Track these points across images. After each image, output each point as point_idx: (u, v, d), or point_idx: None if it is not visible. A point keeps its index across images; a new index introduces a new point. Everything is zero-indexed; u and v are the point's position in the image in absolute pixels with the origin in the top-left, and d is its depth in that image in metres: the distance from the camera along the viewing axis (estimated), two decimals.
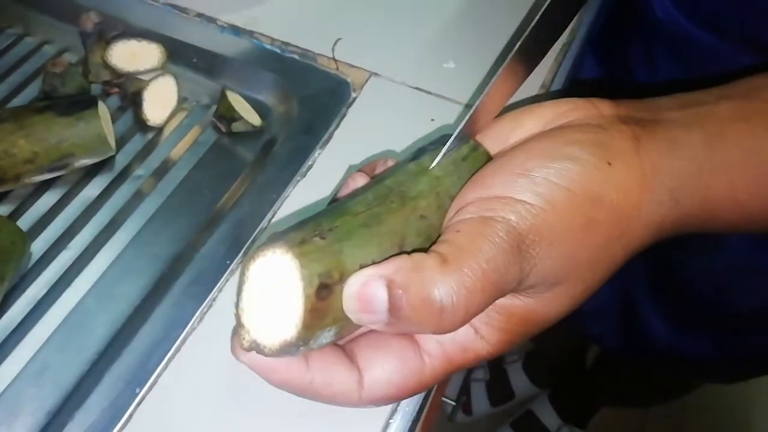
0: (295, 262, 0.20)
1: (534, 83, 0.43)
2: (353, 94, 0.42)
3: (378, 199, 0.23)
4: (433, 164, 0.25)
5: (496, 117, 0.27)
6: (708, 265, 0.56)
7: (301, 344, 0.21)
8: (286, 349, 0.21)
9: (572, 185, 0.22)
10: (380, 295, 0.21)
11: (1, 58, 0.45)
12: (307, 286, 0.20)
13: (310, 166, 0.38)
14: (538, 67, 0.43)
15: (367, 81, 0.43)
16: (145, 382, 0.30)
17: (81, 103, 0.37)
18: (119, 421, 0.29)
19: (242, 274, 0.21)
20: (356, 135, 0.40)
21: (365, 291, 0.21)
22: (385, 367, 0.23)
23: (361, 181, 0.27)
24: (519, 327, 0.24)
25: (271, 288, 0.21)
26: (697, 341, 0.64)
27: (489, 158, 0.26)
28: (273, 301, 0.21)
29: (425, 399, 0.31)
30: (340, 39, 0.45)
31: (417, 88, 0.43)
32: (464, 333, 0.24)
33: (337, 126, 0.41)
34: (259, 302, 0.21)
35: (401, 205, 0.23)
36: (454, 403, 0.99)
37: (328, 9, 0.47)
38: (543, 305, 0.24)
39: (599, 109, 0.25)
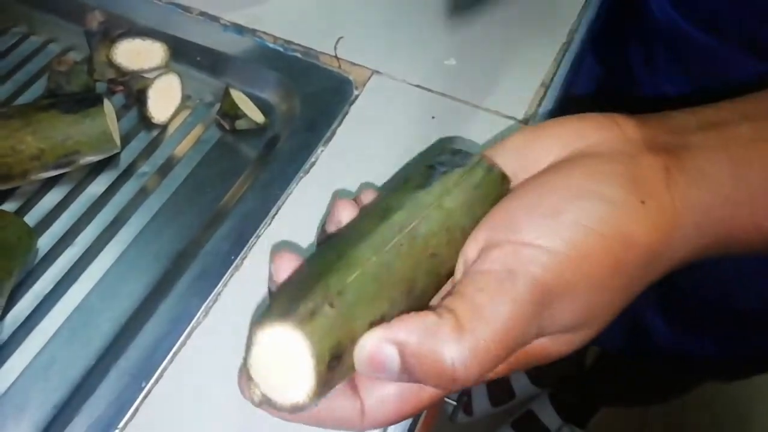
0: (306, 343, 0.19)
1: (533, 82, 0.43)
2: (355, 92, 0.43)
3: (386, 242, 0.22)
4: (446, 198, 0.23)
5: (513, 133, 0.25)
6: (711, 265, 0.57)
7: (313, 405, 0.21)
8: (298, 409, 0.21)
9: (605, 228, 0.21)
10: (392, 358, 0.20)
11: (6, 56, 0.45)
12: (318, 363, 0.20)
13: (313, 163, 0.39)
14: (537, 64, 0.44)
15: (369, 79, 0.43)
16: (151, 376, 0.31)
17: (87, 101, 0.37)
18: (126, 414, 0.30)
19: (250, 337, 0.20)
20: (358, 132, 0.41)
21: (377, 355, 0.20)
22: (385, 393, 0.23)
23: (347, 210, 0.25)
24: (525, 359, 0.24)
25: (281, 355, 0.20)
26: (699, 341, 0.65)
27: (504, 179, 0.24)
28: (283, 367, 0.20)
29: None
30: (342, 37, 0.45)
31: (418, 86, 0.43)
32: None
33: (340, 123, 0.41)
34: (268, 364, 0.21)
35: (411, 247, 0.22)
36: (454, 404, 0.99)
37: (330, 7, 0.48)
38: (555, 344, 0.23)
39: (623, 129, 0.24)
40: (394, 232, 0.22)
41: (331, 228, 0.25)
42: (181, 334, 0.32)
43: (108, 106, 0.38)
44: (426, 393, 0.23)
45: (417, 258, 0.22)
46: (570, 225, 0.21)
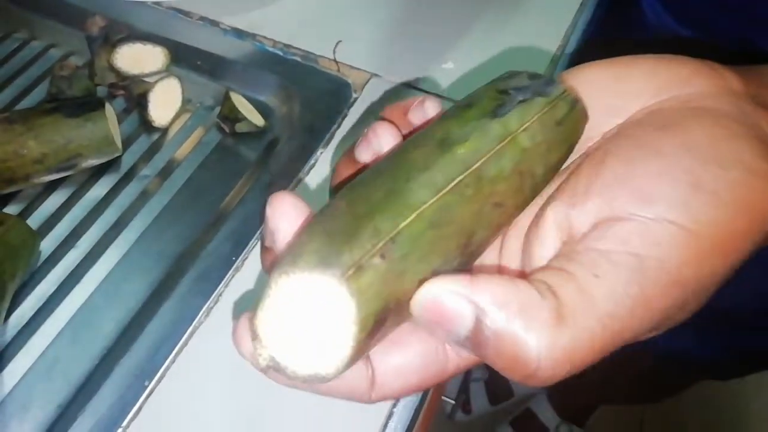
0: (352, 303, 0.15)
1: None
2: (354, 95, 0.43)
3: (447, 180, 0.17)
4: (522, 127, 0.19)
5: (594, 64, 0.22)
6: None
7: (336, 377, 0.17)
8: (314, 381, 0.17)
9: (754, 207, 0.18)
10: (466, 317, 0.16)
11: (8, 61, 0.46)
12: (360, 330, 0.16)
13: (313, 166, 0.39)
14: (533, 66, 0.44)
15: (367, 82, 0.44)
16: (154, 375, 0.31)
17: (88, 105, 0.38)
18: (129, 413, 0.30)
19: (270, 283, 0.16)
20: (357, 134, 0.41)
21: (449, 307, 0.16)
22: (402, 363, 0.20)
23: (390, 135, 0.21)
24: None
25: (306, 312, 0.16)
26: (692, 340, 0.65)
27: (585, 119, 0.21)
28: (307, 328, 0.16)
29: (423, 397, 0.32)
30: (340, 41, 0.46)
31: (417, 89, 0.43)
32: None
33: (339, 126, 0.42)
34: (285, 321, 0.16)
35: (477, 191, 0.18)
36: (453, 402, 1.00)
37: (328, 12, 0.48)
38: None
39: (726, 80, 0.20)
40: (457, 169, 0.18)
41: (365, 156, 0.21)
42: (183, 335, 0.33)
43: (109, 110, 0.39)
44: (451, 367, 0.20)
45: (480, 205, 0.18)
46: (715, 199, 0.17)
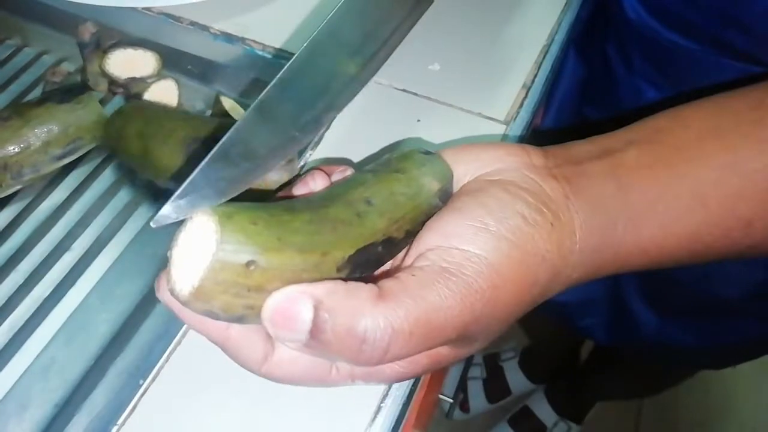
0: (216, 228, 0.20)
1: (515, 85, 0.44)
2: None
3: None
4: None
5: (441, 151, 0.28)
6: None
7: (194, 303, 0.20)
8: (179, 298, 0.21)
9: (527, 245, 0.23)
10: (305, 313, 0.20)
11: (1, 68, 0.47)
12: (218, 257, 0.20)
13: (302, 167, 0.40)
14: (518, 67, 0.45)
15: None
16: (148, 374, 0.32)
17: (75, 90, 0.39)
18: (124, 411, 0.31)
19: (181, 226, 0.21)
20: (345, 135, 0.42)
21: (289, 307, 0.20)
22: (293, 359, 0.24)
23: (320, 181, 0.27)
24: (426, 364, 0.25)
25: (192, 244, 0.21)
26: (682, 330, 0.66)
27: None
28: (189, 257, 0.20)
29: (411, 393, 0.32)
30: None
31: (404, 90, 0.44)
32: None
33: (328, 127, 0.42)
34: (182, 254, 0.21)
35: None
36: (451, 401, 1.00)
37: (316, 16, 0.49)
38: (468, 349, 0.25)
39: (530, 157, 0.27)
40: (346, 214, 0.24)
41: (300, 191, 0.27)
42: (177, 334, 0.33)
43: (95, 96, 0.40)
44: (331, 378, 0.25)
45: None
46: (498, 237, 0.23)
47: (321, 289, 0.21)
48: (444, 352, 0.25)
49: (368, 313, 0.20)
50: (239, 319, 0.21)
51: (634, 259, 0.27)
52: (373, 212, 0.24)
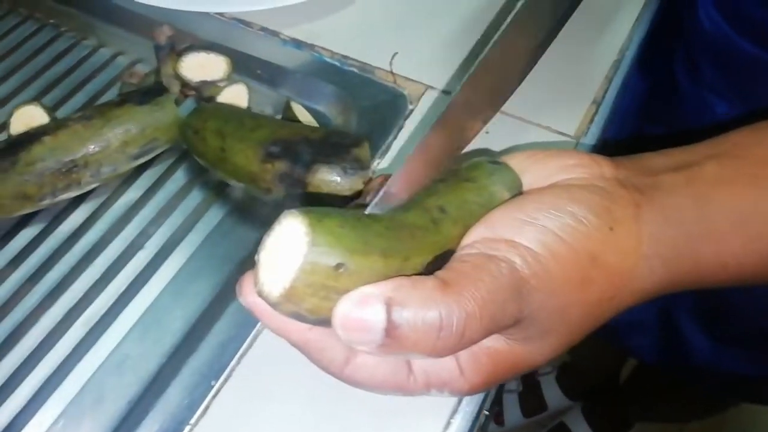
0: (309, 242, 0.20)
1: (585, 99, 0.44)
2: (410, 107, 0.44)
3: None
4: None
5: (509, 156, 0.28)
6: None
7: (284, 304, 0.21)
8: (269, 300, 0.21)
9: (575, 243, 0.23)
10: (377, 316, 0.20)
11: (78, 68, 0.48)
12: (309, 259, 0.20)
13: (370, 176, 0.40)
14: (589, 81, 0.45)
15: (423, 94, 0.45)
16: (221, 375, 0.32)
17: (153, 92, 0.40)
18: (196, 411, 0.31)
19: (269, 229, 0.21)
20: (413, 145, 0.42)
21: (361, 309, 0.20)
22: (376, 364, 0.24)
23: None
24: (502, 372, 0.25)
25: (283, 247, 0.21)
26: (737, 359, 0.64)
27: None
28: (279, 260, 0.21)
29: (484, 399, 0.32)
30: (397, 53, 0.47)
31: None
32: (449, 371, 0.25)
33: (395, 137, 0.42)
34: (271, 256, 0.21)
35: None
36: (487, 413, 0.99)
37: (386, 24, 0.49)
38: (530, 352, 0.25)
39: (601, 168, 0.26)
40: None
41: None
42: (248, 336, 0.34)
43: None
44: (408, 387, 0.25)
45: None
46: (545, 230, 0.23)
47: (388, 286, 0.21)
48: (514, 353, 0.25)
49: (440, 300, 0.21)
50: (324, 322, 0.22)
51: (713, 274, 0.27)
52: (447, 220, 0.24)
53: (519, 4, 0.30)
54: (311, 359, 0.25)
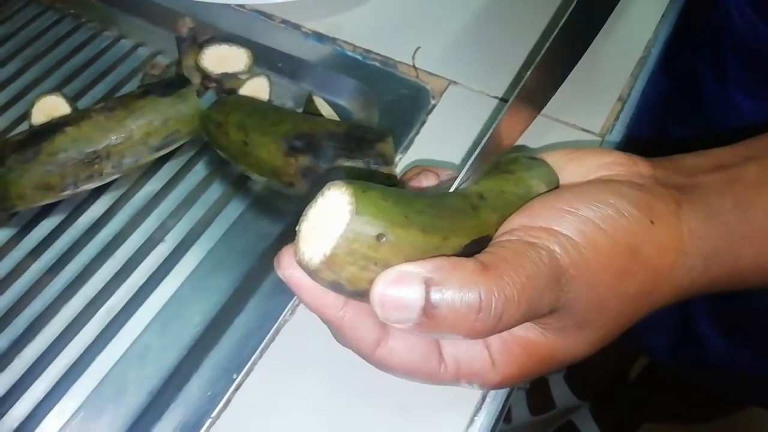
0: (352, 212, 0.20)
1: (610, 96, 0.43)
2: (432, 101, 0.44)
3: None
4: (452, 188, 0.27)
5: (546, 154, 0.28)
6: None
7: (324, 272, 0.21)
8: (307, 269, 0.21)
9: (616, 234, 0.23)
10: (416, 294, 0.20)
11: (100, 58, 0.48)
12: (351, 230, 0.20)
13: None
14: (614, 78, 0.44)
15: (446, 89, 0.44)
16: (242, 369, 0.32)
17: (176, 84, 0.40)
18: (218, 404, 0.31)
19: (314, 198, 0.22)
20: (436, 141, 0.42)
21: (399, 286, 0.20)
22: (408, 348, 0.24)
23: (432, 179, 0.29)
24: (535, 365, 0.25)
25: (325, 217, 0.21)
26: (754, 361, 0.63)
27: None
28: (321, 230, 0.21)
29: (509, 396, 0.32)
30: (419, 47, 0.46)
31: (495, 97, 0.44)
32: (481, 361, 0.25)
33: (417, 132, 0.42)
34: (313, 226, 0.21)
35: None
36: None
37: (408, 18, 0.49)
38: (566, 345, 0.25)
39: (638, 167, 0.26)
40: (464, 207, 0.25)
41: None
42: (270, 330, 0.33)
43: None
44: (438, 375, 0.25)
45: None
46: (585, 220, 0.23)
47: (428, 266, 0.21)
48: (551, 346, 0.25)
49: (481, 282, 0.21)
50: (361, 294, 0.22)
51: (752, 276, 0.27)
52: (486, 207, 0.25)
53: (571, 7, 0.30)
54: (343, 338, 0.25)
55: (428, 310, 0.21)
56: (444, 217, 0.23)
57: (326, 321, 0.25)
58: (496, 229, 0.25)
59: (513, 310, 0.21)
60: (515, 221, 0.24)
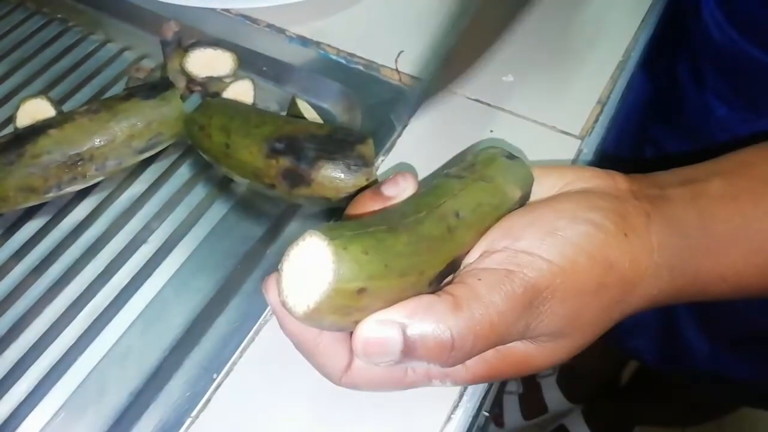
0: (334, 265, 0.21)
1: (590, 99, 0.44)
2: (414, 105, 0.44)
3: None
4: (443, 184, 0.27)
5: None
6: None
7: (309, 320, 0.22)
8: (293, 313, 0.22)
9: (594, 250, 0.24)
10: (395, 338, 0.22)
11: (86, 62, 0.48)
12: (338, 284, 0.21)
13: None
14: (593, 81, 0.45)
15: (428, 92, 0.45)
16: (222, 368, 0.32)
17: (159, 87, 0.40)
18: (198, 403, 0.32)
19: (292, 244, 0.22)
20: (418, 143, 0.42)
21: (379, 335, 0.22)
22: (370, 365, 0.25)
23: (411, 180, 0.28)
24: (508, 368, 0.26)
25: (308, 265, 0.22)
26: (739, 363, 0.64)
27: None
28: (305, 276, 0.22)
29: (486, 394, 0.32)
30: (402, 51, 0.47)
31: (477, 100, 0.44)
32: None
33: (400, 135, 0.43)
34: (296, 272, 0.22)
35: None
36: (487, 415, 0.99)
37: (391, 22, 0.50)
38: (541, 353, 0.26)
39: (615, 181, 0.28)
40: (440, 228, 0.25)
41: (390, 192, 0.28)
42: (250, 330, 0.34)
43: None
44: (407, 380, 0.26)
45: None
46: (565, 242, 0.24)
47: (403, 312, 0.22)
48: (528, 354, 0.26)
49: (452, 324, 0.22)
50: (340, 330, 0.24)
51: (713, 286, 0.28)
52: (462, 226, 0.25)
53: None
54: (315, 363, 0.26)
55: (406, 351, 0.22)
56: (421, 253, 0.23)
57: (301, 348, 0.26)
58: (470, 246, 0.25)
59: (482, 345, 0.23)
60: (498, 242, 0.25)
